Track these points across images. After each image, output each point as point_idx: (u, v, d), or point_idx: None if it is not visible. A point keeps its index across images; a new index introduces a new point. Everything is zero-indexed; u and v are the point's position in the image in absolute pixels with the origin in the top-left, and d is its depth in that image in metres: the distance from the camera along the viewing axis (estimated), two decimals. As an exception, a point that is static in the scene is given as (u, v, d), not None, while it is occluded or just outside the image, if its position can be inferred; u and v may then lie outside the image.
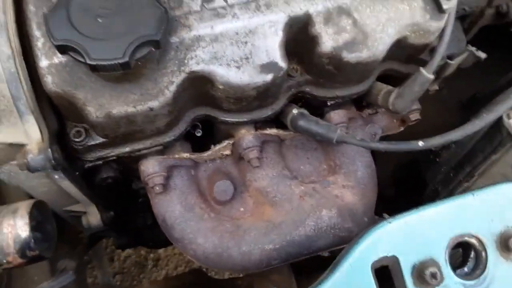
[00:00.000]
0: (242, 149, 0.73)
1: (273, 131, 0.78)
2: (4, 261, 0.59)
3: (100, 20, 0.49)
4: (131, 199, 0.97)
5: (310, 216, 0.75)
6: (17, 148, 0.59)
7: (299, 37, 0.64)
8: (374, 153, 0.83)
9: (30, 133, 0.58)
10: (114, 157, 0.68)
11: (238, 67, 0.59)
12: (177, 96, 0.60)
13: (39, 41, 0.54)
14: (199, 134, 0.76)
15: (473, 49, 0.78)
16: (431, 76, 0.68)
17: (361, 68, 0.67)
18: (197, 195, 0.76)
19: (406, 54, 0.72)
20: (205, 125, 0.76)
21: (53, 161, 0.57)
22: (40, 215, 0.62)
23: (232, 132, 0.76)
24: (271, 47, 0.60)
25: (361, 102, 0.85)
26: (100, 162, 0.68)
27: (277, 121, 0.79)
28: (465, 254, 0.57)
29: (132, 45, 0.48)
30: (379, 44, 0.64)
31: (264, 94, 0.65)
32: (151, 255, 2.23)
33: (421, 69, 0.68)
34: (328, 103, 0.75)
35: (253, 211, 0.78)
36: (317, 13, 0.61)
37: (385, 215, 0.76)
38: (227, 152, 0.78)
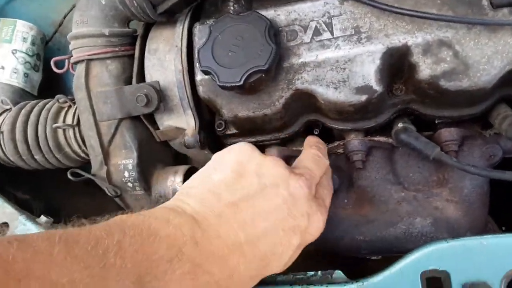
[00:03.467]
0: (348, 151, 0.85)
1: (382, 138, 0.86)
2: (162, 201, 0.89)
3: (230, 54, 0.69)
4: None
5: (404, 220, 0.82)
6: (180, 131, 0.86)
7: (400, 63, 0.70)
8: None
9: (189, 122, 0.84)
10: (245, 144, 0.90)
11: (336, 88, 0.71)
12: (287, 107, 0.76)
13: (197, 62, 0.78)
14: (316, 133, 0.90)
15: None
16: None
17: (465, 95, 0.68)
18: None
19: (531, 82, 0.69)
20: (322, 126, 0.90)
21: (199, 143, 0.83)
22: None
23: (343, 135, 0.88)
24: (367, 73, 0.69)
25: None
26: (235, 146, 0.91)
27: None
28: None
29: (246, 73, 0.66)
30: (482, 75, 0.64)
31: (362, 110, 0.74)
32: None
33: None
34: (436, 121, 0.78)
35: (354, 205, 0.90)
36: (415, 45, 0.66)
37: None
38: (340, 150, 0.90)
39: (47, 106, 0.93)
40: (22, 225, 0.76)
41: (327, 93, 0.72)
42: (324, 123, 0.83)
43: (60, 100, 0.90)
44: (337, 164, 0.92)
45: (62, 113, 0.91)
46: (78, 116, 0.88)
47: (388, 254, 0.86)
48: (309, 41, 0.71)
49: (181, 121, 0.85)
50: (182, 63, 0.81)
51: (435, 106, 0.75)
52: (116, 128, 0.84)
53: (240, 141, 0.90)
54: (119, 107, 0.82)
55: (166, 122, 0.87)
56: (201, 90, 0.79)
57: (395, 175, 0.87)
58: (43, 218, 0.78)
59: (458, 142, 0.79)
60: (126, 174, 0.85)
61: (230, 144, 0.92)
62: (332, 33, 0.70)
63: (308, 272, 0.72)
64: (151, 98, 0.79)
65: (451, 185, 0.83)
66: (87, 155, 0.91)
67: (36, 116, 0.91)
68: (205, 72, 0.71)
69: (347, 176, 0.90)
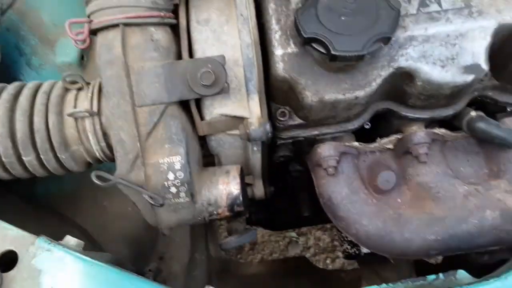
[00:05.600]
0: (413, 144, 0.78)
1: (441, 131, 0.82)
2: (215, 212, 0.70)
3: (343, 18, 0.57)
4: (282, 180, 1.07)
5: (474, 214, 0.78)
6: (237, 121, 0.70)
7: (501, 44, 0.67)
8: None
9: (252, 109, 0.68)
10: (302, 138, 0.77)
11: (443, 66, 0.65)
12: (380, 89, 0.67)
13: (277, 33, 0.64)
14: (367, 127, 0.82)
15: None
16: None
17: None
18: (360, 182, 0.82)
19: None
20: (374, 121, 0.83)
21: (269, 134, 0.68)
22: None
23: (402, 128, 0.81)
24: (477, 50, 0.64)
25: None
26: (290, 140, 0.78)
27: (442, 123, 0.83)
28: None
29: (370, 41, 0.56)
30: None
31: (456, 94, 0.69)
32: (249, 238, 2.37)
33: None
34: (508, 109, 0.77)
35: (410, 204, 0.83)
36: (526, 22, 0.64)
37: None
38: (390, 146, 0.83)
39: (44, 88, 0.67)
40: (44, 252, 0.50)
41: (433, 72, 0.65)
42: (397, 112, 0.76)
43: (67, 79, 0.65)
44: (384, 162, 0.85)
45: (70, 97, 0.66)
46: (99, 100, 0.65)
47: (457, 253, 0.81)
48: (415, 12, 0.64)
49: (241, 109, 0.69)
50: (251, 35, 0.66)
51: (512, 92, 0.74)
52: (161, 116, 0.64)
53: (299, 134, 0.77)
54: (169, 88, 0.63)
55: (217, 110, 0.69)
56: (281, 67, 0.65)
57: (451, 169, 0.84)
58: (70, 240, 0.53)
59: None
60: (171, 176, 0.65)
61: (283, 139, 0.79)
62: (440, 5, 0.64)
63: (428, 277, 0.62)
64: (218, 76, 0.62)
65: (508, 176, 0.82)
66: (107, 154, 0.68)
67: (29, 101, 0.64)
68: (310, 40, 0.58)
69: (398, 174, 0.84)
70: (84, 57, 0.96)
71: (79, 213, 1.07)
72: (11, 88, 0.66)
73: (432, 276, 0.62)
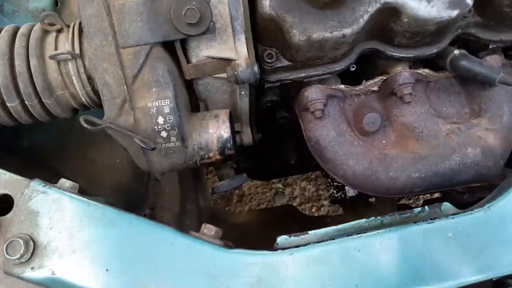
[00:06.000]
0: (398, 84, 0.79)
1: (425, 71, 0.82)
2: (206, 156, 0.71)
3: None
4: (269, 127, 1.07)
5: (456, 152, 0.81)
6: (224, 63, 0.69)
7: (485, -23, 0.67)
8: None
9: (239, 50, 0.68)
10: (290, 81, 0.77)
11: (429, 2, 0.64)
12: (366, 26, 0.66)
13: (262, -32, 0.62)
14: (353, 69, 0.83)
15: None
16: None
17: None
18: (346, 124, 0.83)
19: None
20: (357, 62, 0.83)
21: (258, 76, 0.67)
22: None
23: (387, 69, 0.82)
24: (463, -16, 0.64)
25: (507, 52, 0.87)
26: (278, 84, 0.77)
27: (425, 63, 0.84)
28: None
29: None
30: None
31: (440, 31, 0.69)
32: (236, 191, 2.42)
33: None
34: (491, 47, 0.78)
35: (395, 144, 0.85)
36: (512, -47, 0.64)
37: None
38: (375, 88, 0.84)
39: (22, 30, 0.64)
40: (40, 195, 0.50)
41: (419, 7, 0.64)
42: (383, 52, 0.76)
43: (46, 20, 0.63)
44: (369, 105, 0.86)
45: (50, 40, 0.64)
46: (80, 42, 0.63)
47: (440, 190, 0.85)
48: None
49: (228, 50, 0.68)
50: (237, -30, 0.64)
51: (495, 29, 0.75)
52: (146, 58, 0.63)
53: (286, 76, 0.77)
54: (153, 27, 0.61)
55: (204, 52, 0.68)
56: (267, 4, 0.63)
57: (434, 109, 0.85)
58: (65, 182, 0.53)
59: (501, 68, 0.81)
60: (161, 120, 0.64)
61: (271, 82, 0.78)
62: None
63: (414, 209, 0.65)
64: (203, 14, 0.61)
65: (489, 114, 0.84)
66: (93, 99, 0.67)
67: (8, 45, 0.62)
68: (297, -27, 0.57)
69: (383, 115, 0.85)
70: (58, 2, 0.92)
71: (66, 165, 1.07)
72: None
73: (418, 209, 0.65)
